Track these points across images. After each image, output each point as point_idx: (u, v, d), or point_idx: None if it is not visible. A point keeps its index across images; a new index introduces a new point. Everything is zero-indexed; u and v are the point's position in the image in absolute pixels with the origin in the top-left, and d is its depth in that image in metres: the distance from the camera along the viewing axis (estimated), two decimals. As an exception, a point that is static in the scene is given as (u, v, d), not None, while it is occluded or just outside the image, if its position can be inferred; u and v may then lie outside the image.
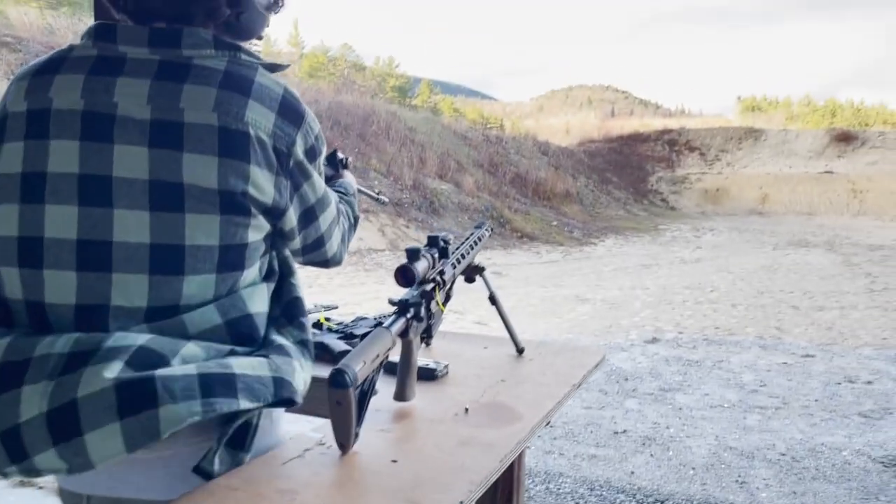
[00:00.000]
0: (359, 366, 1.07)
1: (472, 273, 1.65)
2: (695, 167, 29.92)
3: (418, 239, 13.23)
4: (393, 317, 1.26)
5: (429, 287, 1.37)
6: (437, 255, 1.42)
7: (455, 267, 1.51)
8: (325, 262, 1.21)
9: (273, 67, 1.05)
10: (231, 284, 0.99)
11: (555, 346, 1.75)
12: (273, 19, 1.14)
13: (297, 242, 1.12)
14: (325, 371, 1.49)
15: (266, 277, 1.08)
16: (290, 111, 1.01)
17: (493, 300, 1.70)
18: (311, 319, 1.88)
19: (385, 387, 1.31)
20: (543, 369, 1.55)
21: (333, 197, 1.17)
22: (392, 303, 1.29)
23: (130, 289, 0.93)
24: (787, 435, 3.89)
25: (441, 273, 1.43)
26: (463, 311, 7.18)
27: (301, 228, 1.09)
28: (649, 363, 5.42)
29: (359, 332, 1.66)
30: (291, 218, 1.06)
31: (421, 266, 1.33)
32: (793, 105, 52.92)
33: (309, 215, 1.09)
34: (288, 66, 1.12)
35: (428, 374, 1.46)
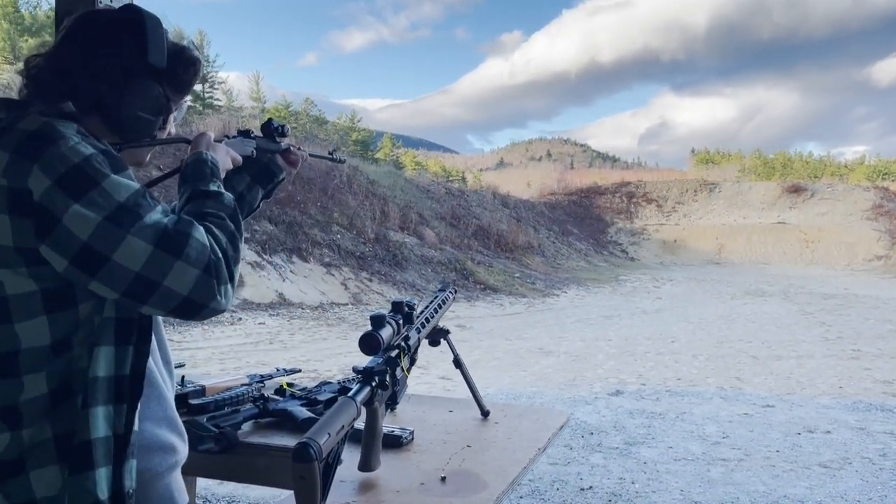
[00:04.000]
0: (323, 438, 1.05)
1: (436, 336, 1.66)
2: (652, 218, 30.59)
3: (381, 292, 13.17)
4: (358, 385, 1.25)
5: (393, 353, 1.37)
6: (401, 321, 1.42)
7: (420, 332, 1.51)
8: (186, 305, 0.97)
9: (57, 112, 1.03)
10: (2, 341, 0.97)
11: (519, 408, 1.76)
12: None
13: (104, 290, 0.96)
14: (288, 440, 1.47)
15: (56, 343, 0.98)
16: (29, 146, 0.95)
17: (457, 363, 1.71)
18: (273, 384, 1.87)
19: (349, 456, 1.30)
20: (509, 433, 1.55)
21: (149, 230, 0.95)
22: (357, 371, 1.28)
23: None
24: (750, 487, 3.90)
25: (406, 339, 1.43)
26: (427, 367, 7.13)
27: (91, 271, 0.94)
28: (613, 416, 5.43)
29: (322, 397, 1.64)
30: (56, 258, 0.95)
31: (386, 333, 1.33)
32: (744, 158, 54.65)
33: (88, 255, 0.93)
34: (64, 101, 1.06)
35: (393, 442, 1.44)
